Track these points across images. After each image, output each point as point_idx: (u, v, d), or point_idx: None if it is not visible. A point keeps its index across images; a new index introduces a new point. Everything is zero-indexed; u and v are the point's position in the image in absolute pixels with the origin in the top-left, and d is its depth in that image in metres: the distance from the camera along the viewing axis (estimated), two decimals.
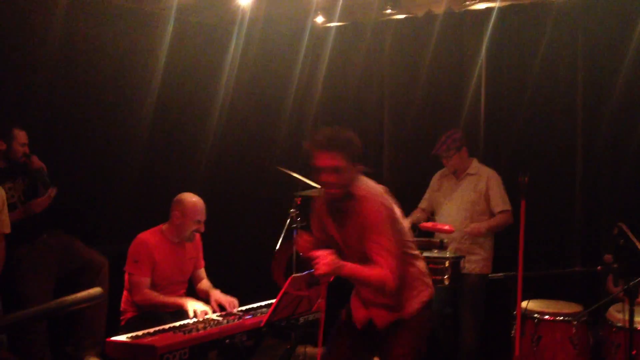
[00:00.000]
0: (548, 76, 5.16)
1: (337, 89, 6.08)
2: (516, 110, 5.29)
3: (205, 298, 4.23)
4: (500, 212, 4.81)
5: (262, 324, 3.59)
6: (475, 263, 4.78)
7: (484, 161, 5.19)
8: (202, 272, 4.48)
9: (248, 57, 6.26)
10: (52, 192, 4.54)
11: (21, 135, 4.61)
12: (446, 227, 4.57)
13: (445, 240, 4.59)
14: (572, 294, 4.70)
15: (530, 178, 3.81)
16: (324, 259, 3.00)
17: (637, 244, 4.08)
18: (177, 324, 3.71)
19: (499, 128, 5.40)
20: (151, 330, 3.54)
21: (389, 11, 5.62)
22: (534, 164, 5.05)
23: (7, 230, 4.17)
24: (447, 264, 4.34)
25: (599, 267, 4.28)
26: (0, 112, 4.84)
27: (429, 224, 4.70)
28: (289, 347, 4.23)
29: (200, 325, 3.65)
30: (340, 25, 6.04)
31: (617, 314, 4.06)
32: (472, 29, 5.46)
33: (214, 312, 4.02)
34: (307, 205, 4.64)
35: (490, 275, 4.50)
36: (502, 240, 4.96)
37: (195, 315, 3.90)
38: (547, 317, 4.21)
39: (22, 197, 4.59)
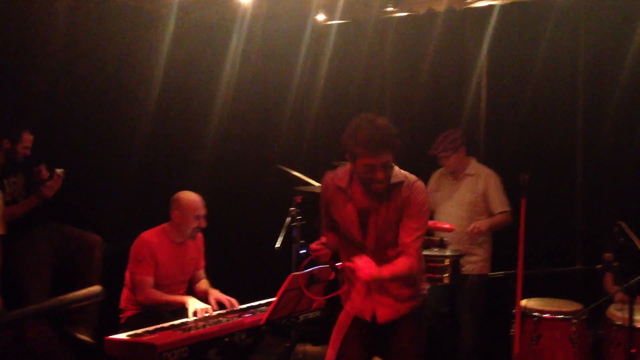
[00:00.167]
0: (549, 74, 5.16)
1: (338, 87, 6.08)
2: (517, 108, 5.28)
3: (203, 297, 4.23)
4: (500, 213, 4.81)
5: (261, 322, 3.59)
6: (475, 264, 4.78)
7: (485, 160, 5.19)
8: (202, 272, 4.49)
9: (249, 55, 6.26)
10: (61, 173, 4.57)
11: (28, 139, 4.68)
12: (446, 226, 4.56)
13: (446, 239, 4.59)
14: (572, 292, 4.69)
15: (530, 176, 3.80)
16: (366, 268, 3.00)
17: (637, 242, 4.08)
18: (176, 322, 3.72)
19: (499, 126, 5.39)
20: (150, 328, 3.55)
21: (390, 9, 5.63)
22: (535, 163, 5.05)
23: (2, 231, 4.17)
24: (446, 262, 4.32)
25: (599, 266, 4.29)
26: (3, 110, 4.85)
27: (430, 223, 4.69)
28: (288, 345, 4.23)
29: (200, 324, 3.65)
30: (341, 23, 6.04)
31: (616, 313, 4.05)
32: (473, 27, 5.46)
33: (213, 310, 4.02)
34: (308, 204, 4.64)
35: (490, 273, 4.50)
36: (502, 239, 4.95)
37: (195, 315, 3.90)
38: (546, 315, 4.21)
39: (23, 192, 4.62)
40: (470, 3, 5.42)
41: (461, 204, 4.88)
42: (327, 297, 3.46)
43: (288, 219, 4.91)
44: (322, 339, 5.50)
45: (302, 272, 3.41)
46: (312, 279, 3.52)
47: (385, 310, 3.24)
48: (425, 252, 4.21)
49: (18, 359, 3.64)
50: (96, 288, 3.13)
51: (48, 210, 4.73)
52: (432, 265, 4.20)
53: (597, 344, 4.20)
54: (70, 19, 5.17)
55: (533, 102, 5.21)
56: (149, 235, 4.21)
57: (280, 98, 6.28)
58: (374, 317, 3.26)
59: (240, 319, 3.80)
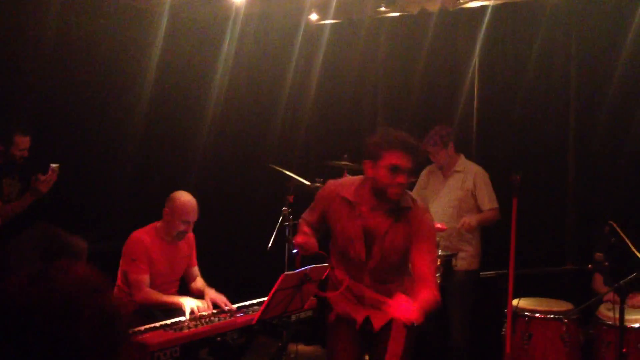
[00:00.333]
0: (541, 75, 5.17)
1: (331, 86, 6.08)
2: (509, 108, 5.30)
3: (199, 296, 4.22)
4: (488, 209, 4.84)
5: (254, 322, 3.58)
6: (463, 260, 4.79)
7: (477, 159, 5.20)
8: (196, 270, 4.47)
9: (242, 54, 6.26)
10: (56, 168, 4.53)
11: (22, 142, 4.62)
12: (439, 226, 4.56)
13: (438, 239, 4.59)
14: (563, 292, 4.71)
15: (522, 176, 3.82)
16: (407, 312, 2.88)
17: (628, 242, 4.10)
18: (168, 321, 3.71)
19: (492, 126, 5.41)
20: (142, 327, 3.54)
21: (383, 9, 5.64)
22: (526, 162, 5.06)
23: None
24: (438, 262, 4.34)
25: (589, 266, 4.30)
26: None
27: None
28: (280, 345, 4.23)
29: (192, 323, 3.64)
30: (334, 23, 6.04)
31: (607, 312, 4.07)
32: (466, 27, 5.47)
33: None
34: (300, 203, 4.64)
35: (481, 273, 4.52)
36: (493, 239, 4.97)
37: (192, 313, 3.89)
38: (538, 315, 4.22)
39: (19, 196, 4.58)
40: (463, 3, 5.43)
41: (450, 200, 4.91)
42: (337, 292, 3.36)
43: (280, 219, 4.91)
44: (315, 339, 5.54)
45: (294, 271, 3.42)
46: (304, 278, 3.52)
47: (379, 317, 3.23)
48: None
49: None
50: None
51: (41, 209, 4.70)
52: None
53: (588, 344, 4.21)
54: (63, 16, 5.16)
55: (525, 102, 5.22)
56: (141, 234, 4.19)
57: (273, 97, 6.28)
58: (367, 323, 3.26)
59: (232, 318, 3.79)
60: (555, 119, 5.16)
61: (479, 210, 4.89)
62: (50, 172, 4.55)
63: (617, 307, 3.79)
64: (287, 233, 4.94)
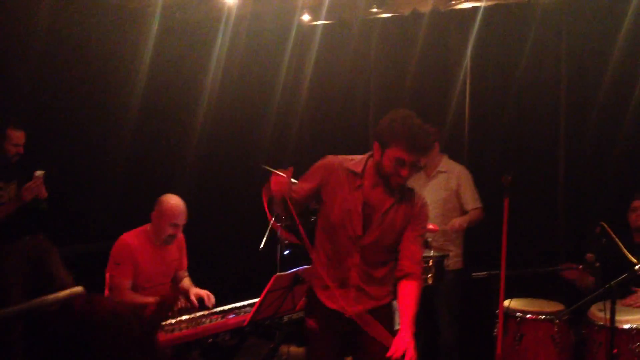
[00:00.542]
0: (532, 76, 5.19)
1: (323, 87, 6.08)
2: (500, 109, 5.31)
3: (185, 296, 4.22)
4: (472, 209, 4.87)
5: (245, 323, 3.58)
6: (449, 259, 4.81)
7: (469, 159, 5.22)
8: (184, 273, 4.46)
9: (234, 54, 6.25)
10: (40, 174, 4.45)
11: (16, 136, 4.55)
12: (431, 226, 4.57)
13: (429, 239, 4.60)
14: (554, 292, 4.72)
15: (513, 177, 3.82)
16: (402, 347, 2.90)
17: (619, 243, 4.11)
18: None
19: (483, 127, 5.42)
20: None
21: (375, 10, 5.65)
22: (518, 163, 5.08)
23: None
24: (430, 262, 4.35)
25: (580, 266, 4.31)
26: None
27: None
28: (272, 346, 4.22)
29: (183, 325, 3.64)
30: (326, 24, 6.03)
31: (598, 313, 4.08)
32: (457, 28, 5.48)
33: (193, 306, 4.01)
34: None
35: (473, 274, 4.52)
36: (485, 239, 4.98)
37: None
38: (529, 315, 4.23)
39: (11, 199, 4.53)
40: (455, 4, 5.44)
41: (434, 201, 4.93)
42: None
43: (272, 219, 4.90)
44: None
45: (285, 273, 3.42)
46: (296, 279, 3.52)
47: (356, 306, 3.16)
48: None
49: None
50: (78, 289, 3.11)
51: (27, 220, 4.64)
52: None
53: (579, 344, 4.23)
54: (54, 17, 5.13)
55: (516, 103, 5.24)
56: (129, 238, 4.17)
57: (265, 98, 6.27)
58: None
59: (223, 320, 3.79)
60: (546, 120, 5.18)
61: (462, 209, 4.91)
62: (34, 179, 4.43)
63: (608, 307, 3.80)
64: (279, 234, 4.93)
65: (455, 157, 5.28)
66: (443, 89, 5.54)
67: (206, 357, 3.63)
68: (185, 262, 4.47)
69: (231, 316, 3.86)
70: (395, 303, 4.28)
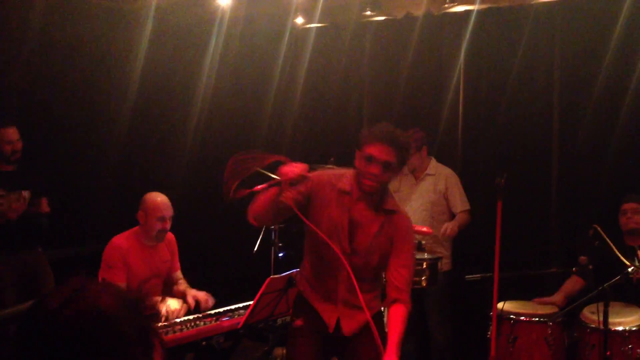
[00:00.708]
0: (526, 79, 5.21)
1: (317, 90, 6.08)
2: (494, 112, 5.33)
3: (182, 298, 4.20)
4: (461, 212, 4.90)
5: (239, 326, 3.58)
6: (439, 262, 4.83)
7: (462, 162, 5.25)
8: (179, 274, 4.43)
9: (228, 57, 6.24)
10: (27, 194, 4.41)
11: (8, 133, 4.52)
12: (424, 229, 4.58)
13: (423, 242, 4.61)
14: (547, 295, 4.74)
15: (507, 179, 3.84)
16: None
17: (612, 245, 4.13)
18: None
19: (476, 129, 5.43)
20: None
21: (368, 13, 5.66)
22: (511, 166, 5.09)
23: None
24: (424, 265, 4.35)
25: (574, 269, 4.33)
26: None
27: None
28: (266, 349, 4.22)
29: (177, 327, 3.63)
30: (320, 27, 6.04)
31: (591, 315, 4.10)
32: (451, 32, 5.49)
33: (189, 308, 3.99)
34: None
35: (467, 276, 4.53)
36: (478, 242, 5.00)
37: (166, 314, 3.86)
38: (523, 317, 4.24)
39: (10, 208, 4.47)
40: (448, 8, 5.46)
41: (423, 203, 4.96)
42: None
43: None
44: None
45: (280, 275, 3.42)
46: (290, 282, 3.52)
47: (351, 323, 3.16)
48: None
49: None
50: None
51: (26, 233, 4.61)
52: None
53: (573, 347, 4.24)
54: (47, 18, 5.12)
55: (510, 105, 5.26)
56: (120, 240, 4.15)
57: (258, 101, 6.27)
58: (337, 328, 3.17)
59: (217, 322, 3.78)
60: (539, 123, 5.20)
61: (450, 212, 4.94)
62: (19, 200, 4.39)
63: (601, 310, 3.82)
64: (272, 237, 4.93)
65: (448, 159, 5.30)
66: (436, 91, 5.56)
67: (200, 359, 3.62)
68: (177, 263, 4.44)
69: (225, 319, 3.85)
70: None
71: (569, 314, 4.26)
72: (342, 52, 5.93)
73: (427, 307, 4.98)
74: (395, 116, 5.67)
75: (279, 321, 3.90)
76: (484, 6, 5.32)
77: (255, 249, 4.97)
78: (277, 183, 2.95)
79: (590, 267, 4.21)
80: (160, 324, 3.71)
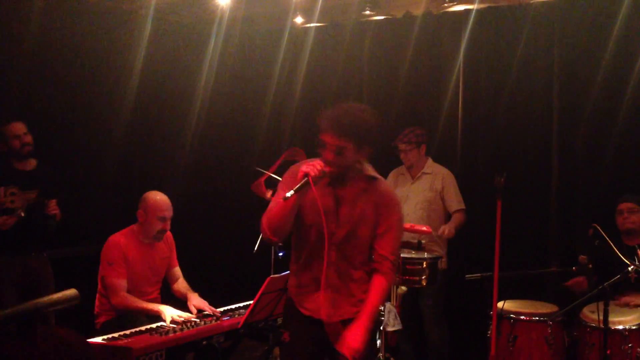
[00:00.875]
0: (525, 78, 5.22)
1: (316, 89, 6.08)
2: (493, 111, 5.34)
3: (181, 299, 4.20)
4: (456, 211, 4.92)
5: (239, 325, 3.57)
6: None
7: (461, 161, 5.25)
8: (177, 271, 4.43)
9: (227, 56, 6.24)
10: (21, 212, 4.39)
11: (15, 128, 4.53)
12: (424, 228, 4.58)
13: (423, 241, 4.61)
14: (547, 294, 4.75)
15: (506, 179, 3.84)
16: (351, 342, 2.87)
17: (612, 244, 4.13)
18: (153, 325, 3.69)
19: (476, 129, 5.44)
20: (127, 332, 3.52)
21: (368, 12, 5.65)
22: (511, 165, 5.10)
23: None
24: (424, 264, 4.35)
25: (574, 268, 4.33)
26: None
27: (407, 225, 4.72)
28: (266, 348, 4.22)
29: (177, 327, 3.63)
30: (319, 26, 6.04)
31: (590, 314, 4.10)
32: (450, 31, 5.50)
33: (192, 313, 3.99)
34: None
35: (467, 275, 4.54)
36: (478, 241, 5.00)
37: (173, 322, 3.86)
38: (523, 317, 4.24)
39: (22, 209, 4.46)
40: (447, 7, 5.46)
41: (419, 202, 4.98)
42: None
43: None
44: None
45: (279, 274, 3.41)
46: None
47: (335, 311, 3.05)
48: (402, 255, 4.24)
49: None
50: (72, 292, 3.09)
51: (33, 235, 4.61)
52: (409, 268, 4.21)
53: (573, 346, 4.24)
54: (46, 18, 5.11)
55: (509, 105, 5.26)
56: (118, 237, 4.16)
57: (258, 100, 6.27)
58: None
59: (218, 322, 3.78)
60: (539, 121, 5.20)
61: (447, 211, 4.95)
62: (13, 216, 4.36)
63: (601, 309, 3.82)
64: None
65: (447, 159, 5.30)
66: (436, 91, 5.56)
67: (200, 359, 3.62)
68: (175, 260, 4.44)
69: (225, 318, 3.86)
70: (389, 305, 4.30)
71: (569, 313, 4.26)
72: (342, 52, 5.93)
73: (422, 306, 4.99)
74: (394, 115, 5.68)
75: (279, 320, 3.89)
76: (483, 5, 5.32)
77: (255, 249, 4.97)
78: (303, 185, 2.91)
79: (590, 266, 4.20)
80: (161, 325, 3.72)
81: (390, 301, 4.43)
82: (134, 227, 4.24)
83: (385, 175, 5.35)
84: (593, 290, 3.93)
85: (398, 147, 5.04)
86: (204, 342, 3.58)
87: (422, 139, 5.04)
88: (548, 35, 5.16)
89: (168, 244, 4.37)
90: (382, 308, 4.29)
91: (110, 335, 3.44)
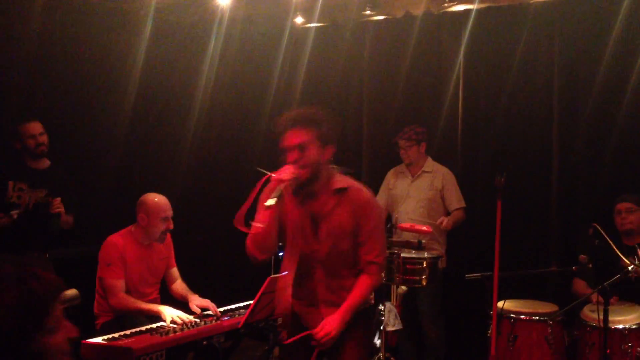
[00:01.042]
0: (525, 78, 5.22)
1: (316, 89, 6.08)
2: (493, 110, 5.34)
3: (180, 300, 4.20)
4: (456, 209, 4.94)
5: (240, 325, 3.57)
6: None
7: (461, 161, 5.26)
8: (175, 271, 4.43)
9: (227, 56, 6.24)
10: (14, 214, 4.40)
11: (31, 128, 4.58)
12: (424, 228, 4.59)
13: (423, 241, 4.62)
14: (547, 293, 4.75)
15: (506, 179, 3.84)
16: (327, 328, 2.95)
17: (612, 244, 4.13)
18: (153, 325, 3.69)
19: (476, 129, 5.44)
20: (128, 332, 3.52)
21: (368, 12, 5.66)
22: (511, 165, 5.10)
23: None
24: (424, 264, 4.36)
25: (574, 267, 4.33)
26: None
27: (407, 225, 4.73)
28: (267, 348, 4.22)
29: (178, 327, 3.63)
30: (319, 26, 6.04)
31: (591, 314, 4.10)
32: (450, 31, 5.50)
33: (195, 318, 3.98)
34: None
35: (467, 275, 4.55)
36: (478, 241, 5.00)
37: (173, 322, 3.86)
38: (523, 316, 4.25)
39: (30, 205, 4.48)
40: (447, 7, 5.46)
41: (420, 200, 5.00)
42: None
43: None
44: None
45: (279, 274, 3.41)
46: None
47: (318, 319, 3.09)
48: (403, 255, 4.25)
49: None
50: (72, 292, 3.10)
51: (35, 234, 4.61)
52: (410, 268, 4.22)
53: (573, 345, 4.25)
54: (47, 18, 5.11)
55: (509, 105, 5.27)
56: (116, 238, 4.15)
57: (258, 100, 6.27)
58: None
59: (218, 322, 3.78)
60: (539, 121, 5.21)
61: (446, 209, 4.95)
62: (5, 218, 4.37)
63: (601, 308, 3.82)
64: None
65: (448, 159, 5.31)
66: (436, 91, 5.56)
67: (201, 359, 3.62)
68: (173, 260, 4.44)
69: (226, 318, 3.86)
70: (389, 305, 4.31)
71: (569, 313, 4.26)
72: (342, 52, 5.93)
73: (420, 304, 5.00)
74: (394, 115, 5.69)
75: (280, 320, 3.89)
76: (483, 5, 5.32)
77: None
78: (280, 191, 2.92)
79: (590, 266, 4.21)
80: (161, 325, 3.72)
81: (390, 301, 4.44)
82: (132, 228, 4.23)
83: (384, 173, 5.38)
84: (593, 290, 3.94)
85: (398, 144, 5.07)
86: (205, 342, 3.57)
87: (422, 136, 5.07)
88: (548, 34, 5.16)
89: (166, 244, 4.37)
90: (382, 308, 4.30)
91: (110, 336, 3.44)
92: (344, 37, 5.91)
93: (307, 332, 3.06)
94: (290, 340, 3.17)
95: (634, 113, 4.86)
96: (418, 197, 5.04)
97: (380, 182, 5.42)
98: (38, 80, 5.19)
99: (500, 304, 4.17)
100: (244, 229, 3.07)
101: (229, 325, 3.72)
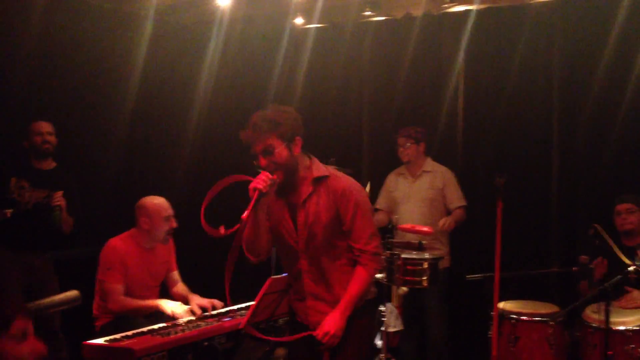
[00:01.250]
0: (525, 78, 5.22)
1: (316, 90, 6.08)
2: (494, 111, 5.34)
3: (182, 302, 4.19)
4: (457, 208, 4.96)
5: (241, 326, 3.57)
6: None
7: (462, 162, 5.26)
8: (176, 274, 4.42)
9: (227, 58, 6.24)
10: (7, 212, 4.40)
11: (39, 126, 4.64)
12: (425, 229, 4.58)
13: (424, 242, 4.61)
14: (549, 294, 4.74)
15: (507, 179, 3.84)
16: (329, 326, 2.96)
17: (612, 244, 4.13)
18: (155, 326, 3.68)
19: (476, 129, 5.44)
20: (129, 333, 3.51)
21: (368, 13, 5.65)
22: (511, 165, 5.10)
23: None
24: (425, 265, 4.34)
25: (575, 268, 4.33)
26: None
27: (408, 226, 4.73)
28: (268, 349, 4.22)
29: (179, 328, 3.63)
30: (319, 27, 6.04)
31: (592, 315, 4.10)
32: (450, 32, 5.50)
33: (197, 316, 3.98)
34: None
35: (468, 276, 4.54)
36: (479, 241, 4.99)
37: (174, 316, 3.86)
38: (524, 317, 4.24)
39: (30, 203, 4.48)
40: (447, 8, 5.46)
41: (421, 200, 5.01)
42: None
43: None
44: None
45: (280, 275, 3.41)
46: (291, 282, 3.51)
47: (319, 316, 3.09)
48: (403, 255, 4.23)
49: None
50: (73, 293, 3.09)
51: (36, 231, 4.61)
52: (410, 269, 4.21)
53: (574, 346, 4.24)
54: (47, 20, 5.10)
55: (509, 105, 5.27)
56: (117, 242, 4.15)
57: (258, 101, 6.25)
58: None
59: (219, 322, 3.78)
60: (539, 122, 5.21)
61: (447, 209, 4.98)
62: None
63: (603, 309, 3.82)
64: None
65: (448, 159, 5.31)
66: (436, 91, 5.56)
67: None
68: (174, 263, 4.43)
69: (227, 319, 3.86)
70: (390, 305, 4.30)
71: (571, 314, 4.26)
72: (342, 53, 5.93)
73: (424, 304, 4.99)
74: (394, 116, 5.69)
75: (280, 321, 3.90)
76: (483, 6, 5.32)
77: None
78: (257, 200, 2.94)
79: (591, 266, 4.20)
80: (162, 325, 3.72)
81: (391, 301, 4.43)
82: (133, 231, 4.23)
83: (384, 173, 5.37)
84: (594, 291, 3.94)
85: (397, 142, 5.08)
86: (206, 343, 3.58)
87: (421, 136, 5.08)
88: (548, 35, 5.16)
89: (168, 247, 4.36)
90: (383, 309, 4.30)
91: (111, 337, 3.44)
92: (344, 38, 5.91)
93: (307, 332, 3.07)
94: (290, 339, 3.18)
95: (634, 113, 4.86)
96: (420, 197, 5.04)
97: (380, 182, 5.41)
98: (37, 81, 5.18)
99: (501, 304, 4.17)
100: (210, 231, 3.31)
101: (230, 326, 3.72)
